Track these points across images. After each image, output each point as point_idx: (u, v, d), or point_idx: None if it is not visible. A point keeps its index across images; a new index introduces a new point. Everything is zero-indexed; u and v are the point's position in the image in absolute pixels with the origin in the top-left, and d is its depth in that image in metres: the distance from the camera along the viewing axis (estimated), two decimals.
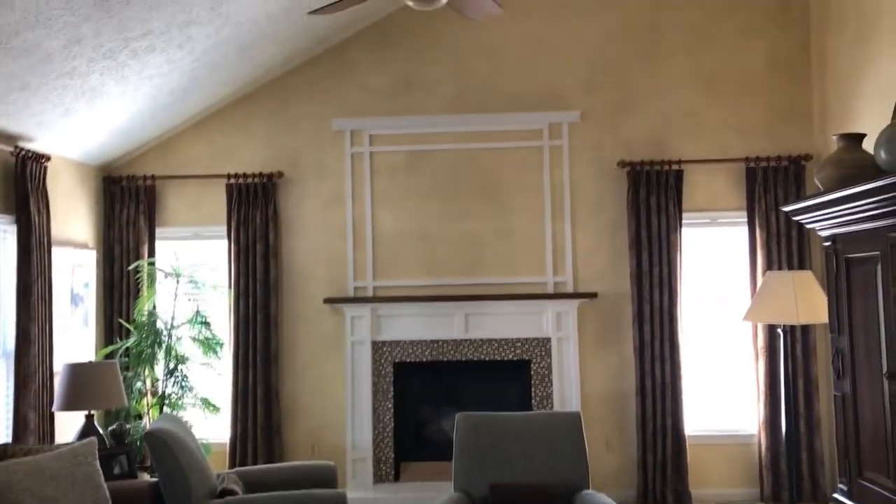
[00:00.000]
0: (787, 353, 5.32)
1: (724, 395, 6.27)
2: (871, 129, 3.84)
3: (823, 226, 3.85)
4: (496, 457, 4.32)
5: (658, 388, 5.99)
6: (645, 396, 6.01)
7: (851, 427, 3.68)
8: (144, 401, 5.79)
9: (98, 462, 3.93)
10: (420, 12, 5.66)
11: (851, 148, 3.73)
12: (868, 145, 3.66)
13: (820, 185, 3.79)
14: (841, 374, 3.76)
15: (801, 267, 5.90)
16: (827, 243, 3.87)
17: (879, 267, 3.32)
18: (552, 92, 6.30)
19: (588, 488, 4.27)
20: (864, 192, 3.25)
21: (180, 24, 4.68)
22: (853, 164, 3.63)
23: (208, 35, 5.01)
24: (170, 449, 4.04)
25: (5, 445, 4.13)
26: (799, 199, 5.11)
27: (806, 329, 5.91)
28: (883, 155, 3.36)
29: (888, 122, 3.73)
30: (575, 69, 6.30)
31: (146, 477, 5.05)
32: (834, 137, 3.85)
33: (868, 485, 3.52)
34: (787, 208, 4.26)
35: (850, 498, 3.70)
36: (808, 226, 4.06)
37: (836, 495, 3.86)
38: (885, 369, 3.28)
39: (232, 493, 4.23)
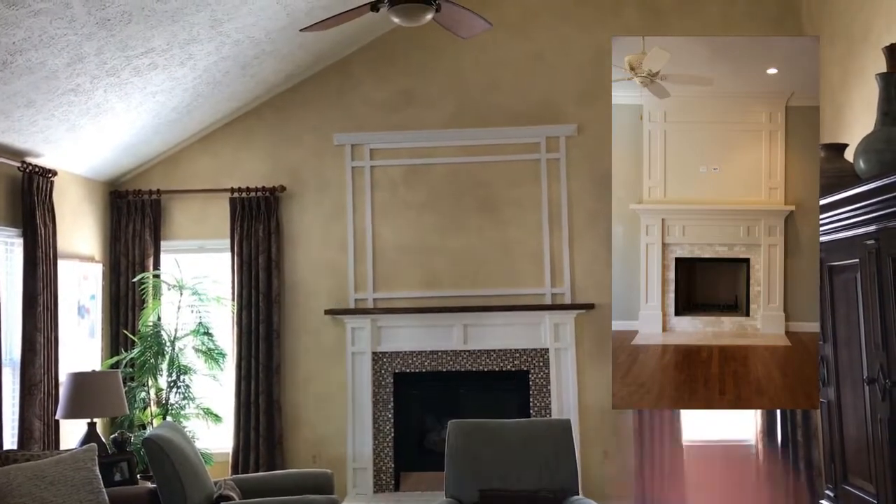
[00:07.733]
0: None
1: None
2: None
3: None
4: (487, 463, 4.38)
5: None
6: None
7: (837, 433, 3.72)
8: (148, 410, 5.90)
9: (97, 468, 4.04)
10: (418, 29, 5.79)
11: (833, 158, 3.81)
12: (851, 156, 3.72)
13: None
14: (826, 382, 3.80)
15: None
16: None
17: (859, 275, 3.37)
18: (549, 106, 6.39)
19: (578, 494, 4.33)
20: (841, 201, 3.33)
21: (181, 43, 4.82)
22: (835, 173, 3.71)
23: (209, 53, 5.14)
24: (166, 455, 4.13)
25: (8, 451, 4.24)
26: None
27: None
28: (861, 164, 3.43)
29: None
30: (571, 83, 6.39)
31: (148, 484, 5.13)
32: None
33: (852, 490, 3.56)
34: None
35: (835, 503, 3.75)
36: None
37: (823, 501, 3.90)
38: (865, 375, 3.33)
39: (228, 499, 4.31)
